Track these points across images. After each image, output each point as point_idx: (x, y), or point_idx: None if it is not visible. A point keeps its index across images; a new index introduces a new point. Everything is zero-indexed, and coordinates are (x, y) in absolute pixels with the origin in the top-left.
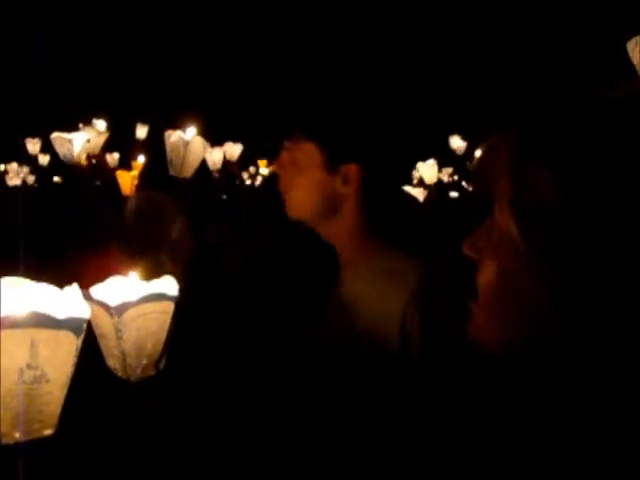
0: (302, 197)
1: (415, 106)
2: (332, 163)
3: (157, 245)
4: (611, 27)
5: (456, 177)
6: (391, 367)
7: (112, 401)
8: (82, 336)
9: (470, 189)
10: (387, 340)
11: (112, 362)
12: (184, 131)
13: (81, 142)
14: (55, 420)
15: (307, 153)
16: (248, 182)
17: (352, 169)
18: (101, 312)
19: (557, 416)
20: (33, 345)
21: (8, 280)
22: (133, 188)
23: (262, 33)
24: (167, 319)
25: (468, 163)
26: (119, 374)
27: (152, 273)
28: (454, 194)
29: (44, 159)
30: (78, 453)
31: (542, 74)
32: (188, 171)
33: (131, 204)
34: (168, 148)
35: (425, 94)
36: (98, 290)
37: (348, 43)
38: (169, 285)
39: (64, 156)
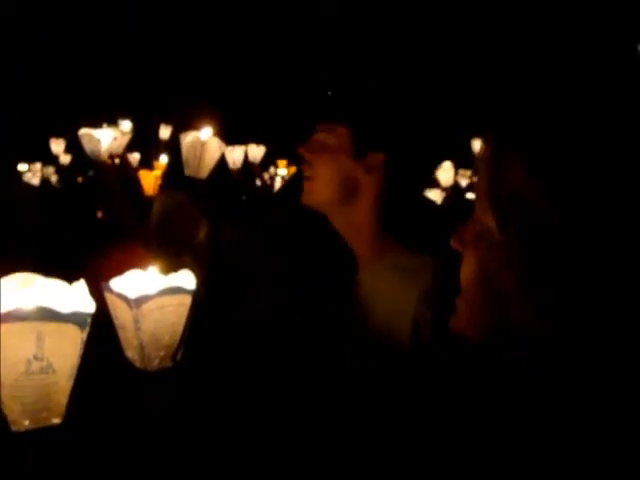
0: (324, 178)
1: (434, 107)
2: (360, 149)
3: (182, 248)
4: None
5: (474, 179)
6: (403, 364)
7: (128, 392)
8: (87, 329)
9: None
10: (399, 337)
11: (131, 353)
12: (200, 131)
13: (109, 139)
14: (62, 409)
15: (339, 138)
16: (268, 182)
17: (377, 159)
18: (120, 304)
19: (542, 416)
20: (39, 337)
21: (19, 276)
22: (156, 188)
23: (283, 29)
24: (184, 312)
25: None
26: (137, 365)
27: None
28: (471, 196)
29: (65, 159)
30: (88, 442)
31: (563, 78)
32: (204, 171)
33: (157, 207)
34: (184, 149)
35: (442, 96)
36: (118, 283)
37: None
38: (186, 279)
39: (91, 152)
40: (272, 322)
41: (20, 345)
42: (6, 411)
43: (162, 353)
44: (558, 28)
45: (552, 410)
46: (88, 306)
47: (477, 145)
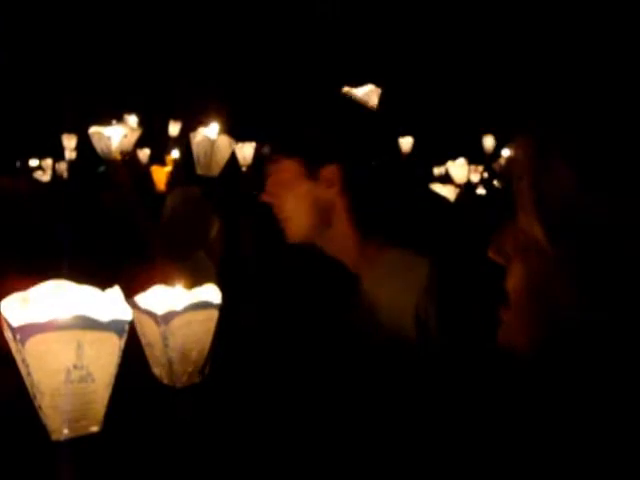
0: (296, 214)
1: (444, 105)
2: (311, 169)
3: (196, 243)
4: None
5: (485, 175)
6: (409, 359)
7: (157, 407)
8: (124, 337)
9: (500, 187)
10: (405, 332)
11: (158, 370)
12: (208, 128)
13: (119, 137)
14: (101, 417)
15: (288, 169)
16: None
17: (331, 170)
18: (147, 321)
19: (584, 419)
20: (79, 346)
21: (52, 283)
22: (167, 184)
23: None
24: (212, 326)
25: (496, 163)
26: (164, 381)
27: (192, 270)
28: (482, 191)
29: (71, 155)
30: (123, 452)
31: (574, 74)
32: (215, 169)
33: (170, 202)
34: (194, 148)
35: (452, 94)
36: (143, 299)
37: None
38: (213, 293)
39: (101, 151)
40: (281, 322)
41: (60, 354)
42: (46, 420)
43: (190, 369)
44: (568, 21)
45: (615, 422)
46: (126, 313)
47: (488, 141)
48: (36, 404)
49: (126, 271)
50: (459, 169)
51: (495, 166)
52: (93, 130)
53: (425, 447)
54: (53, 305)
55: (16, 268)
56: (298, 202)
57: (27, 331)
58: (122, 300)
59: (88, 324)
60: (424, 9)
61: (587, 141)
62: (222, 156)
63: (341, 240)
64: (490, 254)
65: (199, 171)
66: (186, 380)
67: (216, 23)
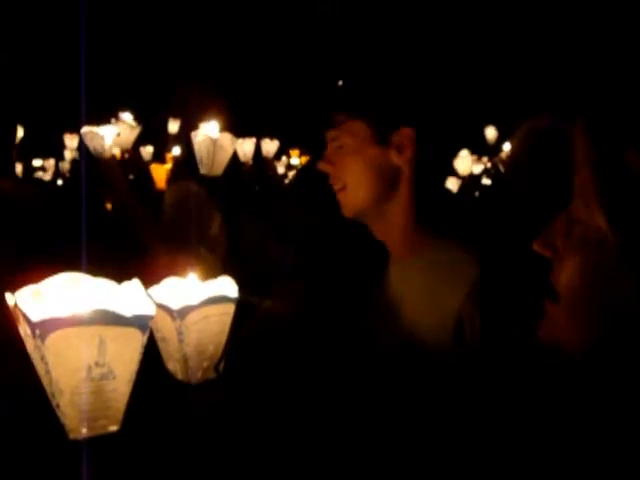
0: (357, 182)
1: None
2: (383, 133)
3: (197, 239)
4: None
5: (489, 165)
6: (441, 362)
7: (171, 403)
8: (147, 333)
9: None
10: (437, 335)
11: (172, 365)
12: (209, 127)
13: (112, 136)
14: (120, 416)
15: (354, 133)
16: (281, 171)
17: (404, 134)
18: (162, 315)
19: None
20: (102, 342)
21: (69, 276)
22: (167, 181)
23: (287, 24)
24: (228, 321)
25: (500, 155)
26: (179, 377)
27: (193, 267)
28: (486, 182)
29: (73, 154)
30: (141, 451)
31: (572, 66)
32: (219, 169)
33: (169, 198)
34: (196, 147)
35: (454, 85)
36: (157, 292)
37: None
38: (229, 286)
39: (94, 149)
40: (291, 316)
41: (82, 350)
42: (64, 419)
43: (205, 364)
44: (571, 17)
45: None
46: (149, 308)
47: (491, 132)
48: (54, 402)
49: (131, 266)
50: (463, 161)
51: (499, 157)
52: (86, 129)
53: (454, 449)
54: (71, 299)
55: (23, 265)
56: (362, 169)
57: (47, 326)
58: (144, 294)
59: (111, 319)
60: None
61: None
62: (225, 154)
63: (395, 217)
64: (536, 247)
65: (202, 170)
66: (201, 376)
67: (212, 18)
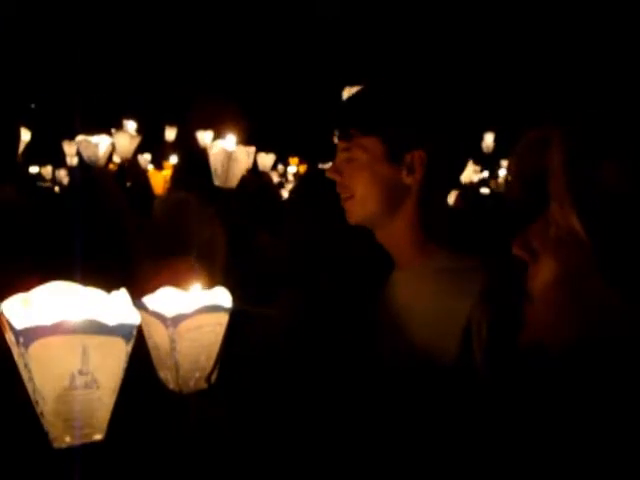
0: (366, 195)
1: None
2: (396, 153)
3: (185, 246)
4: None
5: (486, 174)
6: (448, 370)
7: (162, 412)
8: (132, 342)
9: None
10: (444, 343)
11: (163, 373)
12: (226, 140)
13: (106, 145)
14: (105, 425)
15: (367, 148)
16: (277, 180)
17: (417, 155)
18: (156, 323)
19: (617, 422)
20: (85, 351)
21: (57, 285)
22: (165, 188)
23: (292, 33)
24: (221, 331)
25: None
26: (170, 386)
27: (181, 275)
28: (485, 191)
29: (72, 161)
30: (127, 461)
31: (569, 73)
32: (233, 181)
33: (157, 206)
34: (211, 160)
35: (451, 92)
36: (152, 300)
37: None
38: (223, 296)
39: (88, 158)
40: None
41: (65, 359)
42: (48, 427)
43: (197, 374)
44: (563, 21)
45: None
46: (133, 317)
47: (488, 139)
48: (38, 410)
49: (119, 276)
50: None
51: (497, 165)
52: (80, 139)
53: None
54: (57, 308)
55: (18, 272)
56: (371, 183)
57: (31, 334)
58: (129, 303)
59: (95, 328)
60: (424, 7)
61: (628, 137)
62: (239, 167)
63: (400, 230)
64: (515, 250)
65: (217, 183)
66: (193, 385)
67: (212, 28)
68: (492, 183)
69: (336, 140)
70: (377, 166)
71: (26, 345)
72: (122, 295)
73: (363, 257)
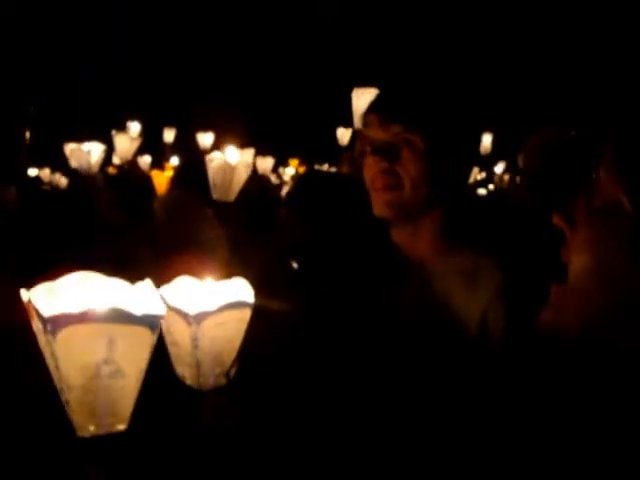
0: (415, 184)
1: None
2: (449, 149)
3: (186, 246)
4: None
5: (483, 175)
6: (467, 359)
7: (180, 409)
8: (157, 333)
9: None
10: (461, 336)
11: (181, 370)
12: (227, 152)
13: (98, 152)
14: (128, 416)
15: (419, 139)
16: (276, 182)
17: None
18: (176, 319)
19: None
20: (111, 340)
21: (82, 275)
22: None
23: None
24: (243, 327)
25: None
26: (188, 382)
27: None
28: (482, 191)
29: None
30: (147, 451)
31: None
32: (232, 195)
33: (157, 206)
34: (210, 172)
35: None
36: (170, 295)
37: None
38: (245, 290)
39: (80, 166)
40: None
41: (91, 348)
42: (73, 416)
43: (218, 371)
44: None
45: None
46: (159, 308)
47: (486, 141)
48: (63, 399)
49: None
50: None
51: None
52: (72, 147)
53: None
54: (83, 296)
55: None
56: (423, 175)
57: (59, 322)
58: (155, 294)
59: (122, 318)
60: (420, 10)
61: None
62: (239, 181)
63: (426, 228)
64: (555, 220)
65: (215, 196)
66: (213, 382)
67: (211, 28)
68: (497, 179)
69: (380, 121)
70: (435, 159)
71: (54, 333)
72: (147, 285)
73: (361, 257)
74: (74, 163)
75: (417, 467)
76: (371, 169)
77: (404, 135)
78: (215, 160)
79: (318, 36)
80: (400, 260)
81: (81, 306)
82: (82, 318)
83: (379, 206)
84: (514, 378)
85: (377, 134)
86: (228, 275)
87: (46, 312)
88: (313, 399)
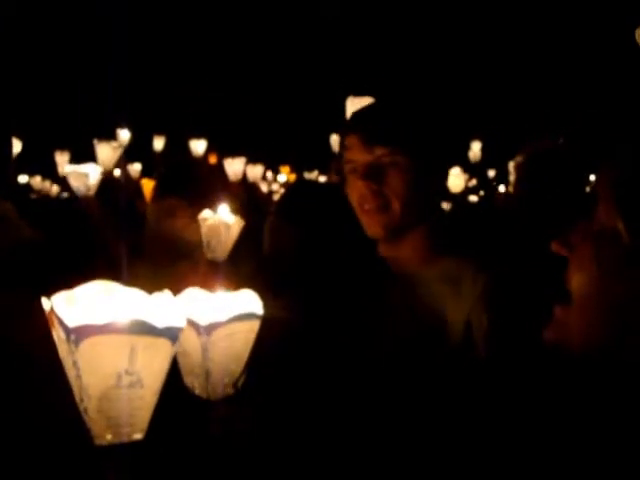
0: (409, 205)
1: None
2: (435, 167)
3: (177, 252)
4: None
5: (474, 182)
6: (451, 360)
7: (189, 419)
8: (177, 345)
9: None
10: (446, 339)
11: (190, 380)
12: (220, 210)
13: (96, 176)
14: (145, 425)
15: (401, 159)
16: (265, 189)
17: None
18: (187, 329)
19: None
20: (133, 351)
21: (101, 285)
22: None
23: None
24: (252, 338)
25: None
26: (196, 392)
27: (173, 279)
28: (474, 199)
29: (63, 170)
30: (162, 461)
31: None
32: (225, 253)
33: (149, 212)
34: (204, 232)
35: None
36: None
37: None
38: (255, 302)
39: (77, 189)
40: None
41: (112, 358)
42: (90, 424)
43: (227, 380)
44: (554, 28)
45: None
46: (180, 320)
47: (475, 148)
48: (82, 407)
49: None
50: (455, 179)
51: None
52: (70, 170)
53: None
54: (104, 307)
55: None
56: (408, 193)
57: (83, 332)
58: (174, 305)
59: (144, 329)
60: (413, 16)
61: None
62: (233, 237)
63: (416, 242)
64: (554, 246)
65: (209, 255)
66: (221, 392)
67: (202, 31)
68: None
69: (363, 144)
70: (420, 177)
71: (77, 343)
72: (166, 296)
73: (349, 265)
74: (73, 183)
75: (417, 467)
76: (358, 190)
77: (389, 157)
78: (209, 219)
79: (309, 45)
80: (386, 268)
81: (104, 317)
82: (106, 329)
83: (373, 228)
84: (504, 383)
85: (360, 157)
86: (221, 283)
87: (70, 322)
88: (314, 404)
